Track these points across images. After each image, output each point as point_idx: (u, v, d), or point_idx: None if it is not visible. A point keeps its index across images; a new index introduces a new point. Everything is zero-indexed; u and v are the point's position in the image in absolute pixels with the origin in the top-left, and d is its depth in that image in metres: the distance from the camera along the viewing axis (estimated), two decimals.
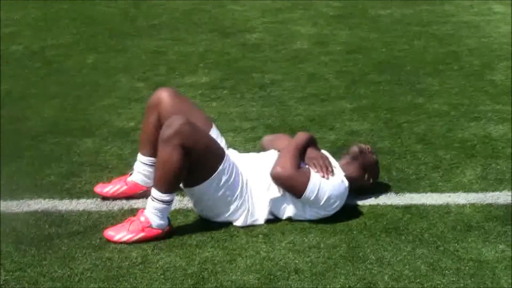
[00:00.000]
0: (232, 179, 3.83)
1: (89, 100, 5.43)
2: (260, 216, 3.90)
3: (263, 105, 5.38)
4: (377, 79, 5.84)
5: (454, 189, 4.26)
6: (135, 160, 4.15)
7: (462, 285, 3.44)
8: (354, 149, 4.09)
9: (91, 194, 4.15)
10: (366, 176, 4.06)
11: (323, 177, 3.88)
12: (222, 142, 4.03)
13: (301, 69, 6.05)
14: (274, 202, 3.90)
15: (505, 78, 5.87)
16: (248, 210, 3.87)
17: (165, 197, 3.71)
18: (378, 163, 4.16)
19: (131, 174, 4.15)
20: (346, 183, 3.95)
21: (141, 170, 4.10)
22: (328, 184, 3.88)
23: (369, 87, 5.69)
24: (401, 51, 6.45)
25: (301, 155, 3.95)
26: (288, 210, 3.91)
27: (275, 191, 3.89)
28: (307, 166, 3.93)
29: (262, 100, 5.45)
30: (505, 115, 5.22)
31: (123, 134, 4.89)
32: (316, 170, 3.90)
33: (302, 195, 3.83)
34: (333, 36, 6.84)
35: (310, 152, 3.98)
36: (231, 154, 3.96)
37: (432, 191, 4.25)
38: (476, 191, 4.25)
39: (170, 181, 3.69)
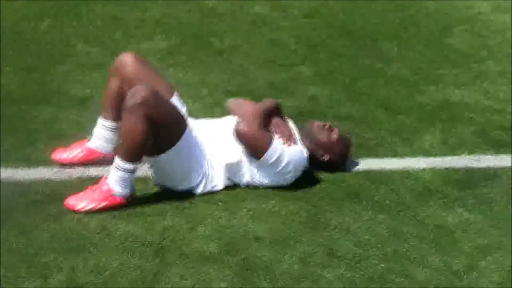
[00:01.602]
0: (193, 147, 3.80)
1: (44, 67, 5.30)
2: (219, 181, 3.88)
3: (222, 71, 5.32)
4: (337, 44, 5.80)
5: (414, 154, 4.28)
6: (92, 128, 4.08)
7: (422, 249, 3.46)
8: (309, 123, 4.07)
9: (48, 163, 4.06)
10: (320, 152, 4.01)
11: (285, 144, 3.85)
12: (183, 109, 3.99)
13: (260, 34, 5.98)
14: (231, 168, 3.88)
15: (463, 41, 5.89)
16: (207, 176, 3.85)
17: (129, 165, 3.67)
18: (337, 142, 4.04)
19: (89, 139, 4.09)
20: (306, 154, 3.93)
21: (101, 134, 4.04)
22: (289, 151, 3.85)
23: (328, 52, 5.65)
24: (360, 15, 6.41)
25: (266, 119, 3.92)
26: (246, 176, 3.89)
27: (232, 156, 3.87)
28: (271, 131, 3.90)
29: (220, 66, 5.38)
30: (464, 79, 5.23)
31: (80, 102, 4.79)
32: (279, 136, 3.87)
33: (262, 156, 3.81)
34: (291, 0, 6.78)
35: (275, 119, 3.97)
36: (190, 122, 3.92)
37: (392, 156, 4.26)
38: (435, 155, 4.27)
39: (134, 151, 3.66)
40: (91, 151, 4.06)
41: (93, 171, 4.00)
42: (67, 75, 5.19)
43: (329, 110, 4.72)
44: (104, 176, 3.73)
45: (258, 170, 3.88)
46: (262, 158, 3.82)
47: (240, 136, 3.84)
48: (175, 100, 3.98)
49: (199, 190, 3.85)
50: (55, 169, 4.03)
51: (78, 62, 5.39)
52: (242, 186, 3.91)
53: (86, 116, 4.52)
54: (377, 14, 6.46)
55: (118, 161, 3.67)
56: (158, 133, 3.66)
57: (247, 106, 4.04)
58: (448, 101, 4.89)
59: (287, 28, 6.09)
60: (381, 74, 5.29)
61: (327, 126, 4.04)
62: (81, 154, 4.06)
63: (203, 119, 4.10)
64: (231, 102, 4.17)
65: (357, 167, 4.12)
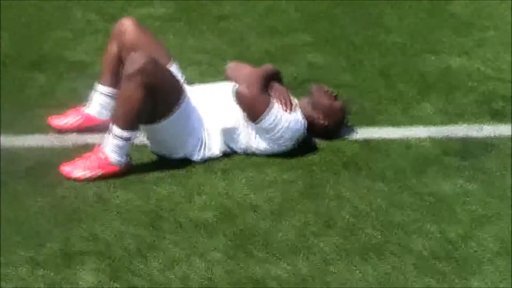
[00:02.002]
0: (190, 115, 3.78)
1: (41, 33, 5.26)
2: (216, 147, 3.86)
3: (220, 38, 5.27)
4: (337, 12, 5.75)
5: (414, 123, 4.24)
6: (89, 94, 4.05)
7: (420, 219, 3.44)
8: (311, 87, 4.03)
9: (44, 130, 4.04)
10: (320, 117, 3.97)
11: (284, 110, 3.83)
12: (181, 77, 3.96)
13: (259, 1, 5.92)
14: (227, 132, 3.85)
15: (465, 9, 5.82)
16: (204, 143, 3.83)
17: (126, 133, 3.64)
18: (338, 109, 4.02)
19: (86, 106, 4.06)
20: (304, 122, 3.90)
21: (99, 101, 4.02)
22: (287, 117, 3.83)
23: (329, 21, 5.60)
24: None
25: (266, 83, 3.89)
26: (242, 141, 3.87)
27: (229, 121, 3.85)
28: (270, 96, 3.87)
29: (219, 33, 5.34)
30: (465, 47, 5.18)
31: (78, 68, 4.76)
32: (278, 101, 3.84)
33: (259, 120, 3.78)
34: None
35: (275, 84, 3.94)
36: (187, 89, 3.89)
37: (391, 125, 4.22)
38: (435, 125, 4.23)
39: (131, 118, 3.64)
40: (88, 118, 4.04)
41: (89, 138, 3.98)
42: (65, 41, 5.15)
43: (328, 78, 4.67)
44: (101, 144, 3.70)
45: (255, 135, 3.85)
46: (259, 122, 3.79)
47: (240, 97, 3.80)
48: (173, 68, 3.95)
49: (196, 157, 3.83)
50: (51, 136, 4.01)
51: (76, 28, 5.35)
52: (239, 152, 3.89)
53: (83, 83, 4.48)
54: None
55: (114, 128, 3.64)
56: (156, 101, 3.64)
57: (247, 69, 4.01)
58: (449, 70, 4.85)
59: None
60: (382, 43, 5.24)
61: (330, 91, 4.01)
62: (78, 121, 4.04)
63: (199, 85, 4.07)
64: (230, 65, 4.14)
65: (355, 135, 4.09)
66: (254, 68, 4.00)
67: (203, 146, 3.84)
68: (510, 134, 4.14)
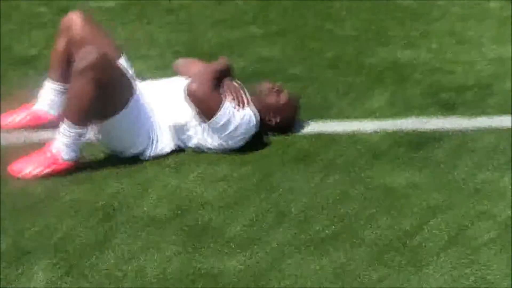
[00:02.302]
0: (140, 111, 3.76)
1: None
2: (166, 144, 3.85)
3: (171, 31, 5.26)
4: (286, 4, 5.77)
5: (363, 116, 4.28)
6: (38, 89, 4.00)
7: (372, 211, 3.48)
8: (259, 86, 4.03)
9: None
10: (269, 115, 3.98)
11: (236, 107, 3.83)
12: (130, 71, 3.93)
13: None
14: (179, 129, 3.85)
15: (412, 1, 5.89)
16: (155, 139, 3.82)
17: (77, 129, 3.61)
18: (285, 104, 4.02)
19: (35, 102, 4.01)
20: (256, 118, 3.91)
21: (49, 97, 3.98)
22: (239, 114, 3.83)
23: (278, 12, 5.62)
24: None
25: (218, 79, 3.88)
26: (194, 138, 3.87)
27: (180, 117, 3.84)
28: (222, 92, 3.87)
29: (170, 26, 5.33)
30: (412, 39, 5.25)
31: (25, 62, 4.71)
32: (230, 98, 3.84)
33: (212, 117, 3.78)
34: None
35: (227, 80, 3.93)
36: (138, 84, 3.87)
37: (341, 118, 4.26)
38: (385, 117, 4.28)
39: (82, 114, 3.60)
40: (37, 115, 4.00)
41: (39, 135, 3.94)
42: (11, 34, 5.08)
43: (279, 71, 4.70)
44: (51, 141, 3.66)
45: (207, 132, 3.84)
46: (211, 120, 3.79)
47: (191, 95, 3.79)
48: (123, 62, 3.93)
49: (147, 154, 3.81)
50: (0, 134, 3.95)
51: (23, 21, 5.28)
52: (191, 148, 3.88)
53: (31, 77, 4.43)
54: None
55: (65, 125, 3.61)
56: (106, 97, 3.61)
57: (197, 66, 4.00)
58: (397, 62, 4.91)
59: None
60: (331, 35, 5.28)
61: (275, 89, 4.02)
62: (27, 118, 3.99)
63: (151, 80, 4.05)
64: (180, 61, 4.13)
65: (307, 129, 4.12)
66: (205, 64, 4.00)
67: (154, 142, 3.82)
68: (458, 125, 4.21)
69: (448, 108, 4.38)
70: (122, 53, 3.99)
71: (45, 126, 3.94)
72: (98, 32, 3.96)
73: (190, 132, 3.86)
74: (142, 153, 3.82)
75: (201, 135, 3.86)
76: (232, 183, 3.64)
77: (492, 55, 5.02)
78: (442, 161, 3.88)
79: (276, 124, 4.01)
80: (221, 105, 3.79)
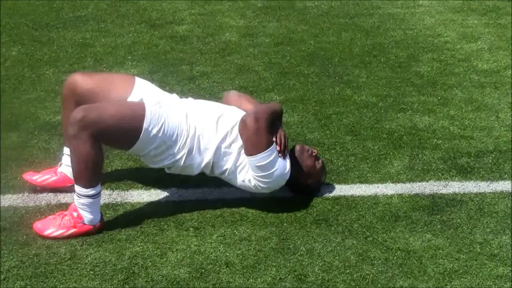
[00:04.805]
0: (165, 126, 3.73)
1: (14, 93, 5.30)
2: (198, 163, 3.83)
3: (192, 98, 5.34)
4: (306, 71, 5.87)
5: (382, 180, 4.32)
6: (62, 154, 4.09)
7: (390, 274, 3.50)
8: (296, 147, 4.07)
9: (17, 189, 4.06)
10: (303, 176, 4.02)
11: (279, 154, 3.86)
12: (150, 91, 3.96)
13: (230, 61, 6.03)
14: (218, 151, 3.83)
15: (430, 69, 5.97)
16: (190, 151, 3.80)
17: (90, 191, 3.66)
18: (320, 170, 4.09)
19: (60, 165, 4.09)
20: (289, 172, 3.91)
21: (68, 162, 4.03)
22: (279, 162, 3.85)
23: (298, 79, 5.71)
24: (329, 43, 6.49)
25: (272, 121, 3.88)
26: (226, 165, 3.85)
27: (226, 143, 3.84)
28: (272, 135, 3.87)
29: (191, 93, 5.41)
30: (430, 106, 5.31)
31: (50, 128, 4.80)
32: (277, 144, 3.87)
33: (255, 154, 3.77)
34: (261, 27, 6.84)
35: (278, 126, 3.94)
36: (185, 100, 3.94)
37: (360, 182, 4.30)
38: (403, 181, 4.32)
39: (89, 175, 3.63)
40: (61, 177, 4.06)
41: (62, 197, 4.01)
42: (37, 101, 5.19)
43: (299, 136, 4.76)
44: (73, 203, 3.73)
45: (242, 166, 3.85)
46: (255, 156, 3.78)
47: (246, 126, 3.77)
48: (138, 88, 3.93)
49: (179, 164, 3.81)
50: (24, 195, 4.02)
51: (48, 89, 5.40)
52: (215, 175, 3.91)
53: (56, 142, 4.52)
54: (346, 42, 6.55)
55: (77, 188, 3.65)
56: (114, 136, 3.64)
57: (250, 101, 4.04)
58: (415, 128, 4.96)
59: (257, 55, 6.15)
60: (350, 101, 5.35)
61: (314, 153, 4.07)
62: (53, 178, 4.06)
63: (203, 99, 4.10)
64: (233, 93, 4.17)
65: (327, 192, 4.16)
66: (257, 102, 4.01)
67: (187, 153, 3.80)
68: (476, 189, 4.24)
69: (466, 173, 4.41)
70: (135, 78, 3.99)
71: (67, 189, 4.00)
72: (100, 78, 3.97)
73: (227, 158, 3.85)
74: (176, 161, 3.80)
75: (233, 166, 3.86)
76: (253, 245, 3.67)
77: (509, 121, 5.07)
78: (460, 225, 3.90)
79: (305, 185, 4.06)
80: (269, 146, 3.78)
